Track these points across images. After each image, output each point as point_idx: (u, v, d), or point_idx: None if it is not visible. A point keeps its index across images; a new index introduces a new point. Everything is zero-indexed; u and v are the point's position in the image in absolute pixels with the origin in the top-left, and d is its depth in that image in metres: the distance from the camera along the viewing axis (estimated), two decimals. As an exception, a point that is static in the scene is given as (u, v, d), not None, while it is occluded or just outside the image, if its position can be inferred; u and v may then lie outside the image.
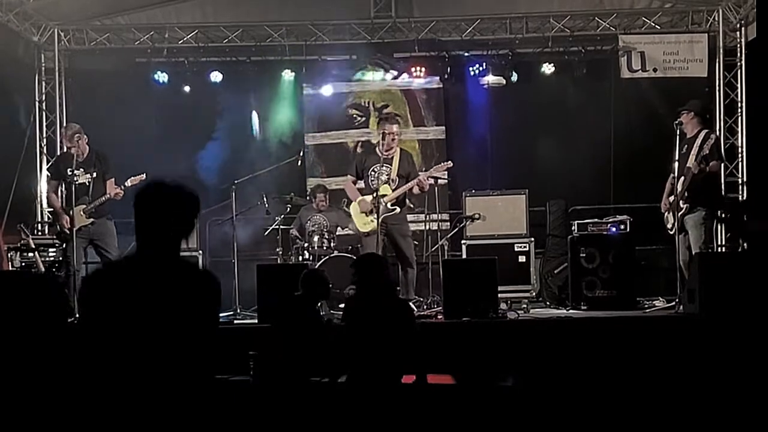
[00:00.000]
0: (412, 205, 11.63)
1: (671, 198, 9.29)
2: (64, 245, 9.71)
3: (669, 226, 9.38)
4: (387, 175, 9.59)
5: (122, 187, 9.61)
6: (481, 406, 5.99)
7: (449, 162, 10.03)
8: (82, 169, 9.65)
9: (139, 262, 3.58)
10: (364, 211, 9.63)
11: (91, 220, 9.63)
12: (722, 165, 9.76)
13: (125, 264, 3.73)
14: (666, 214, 9.43)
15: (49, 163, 11.65)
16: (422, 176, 9.62)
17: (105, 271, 3.74)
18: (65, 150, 9.79)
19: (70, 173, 9.53)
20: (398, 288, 9.69)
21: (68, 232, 9.46)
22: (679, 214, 9.19)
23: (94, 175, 9.73)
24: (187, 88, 12.56)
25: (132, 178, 9.71)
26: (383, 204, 9.45)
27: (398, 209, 9.63)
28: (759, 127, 11.70)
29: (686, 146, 9.33)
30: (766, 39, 10.85)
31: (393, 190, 9.58)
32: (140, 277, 3.50)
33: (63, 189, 9.97)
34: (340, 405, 5.94)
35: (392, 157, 9.66)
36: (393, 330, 6.17)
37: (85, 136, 9.66)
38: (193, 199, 3.71)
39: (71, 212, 9.41)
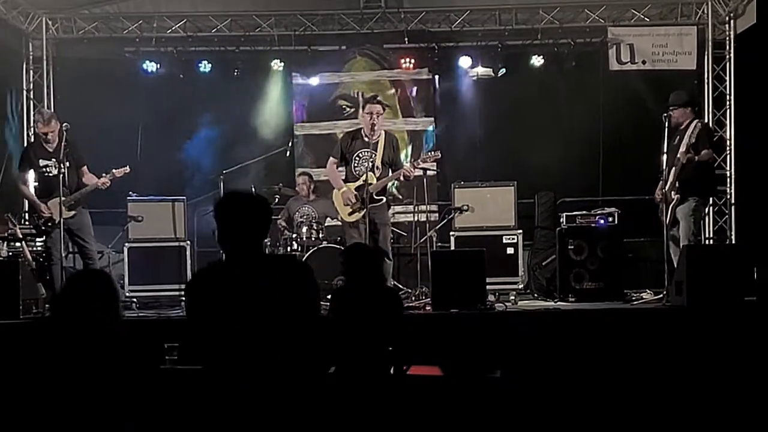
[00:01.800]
0: (401, 196, 11.64)
1: (665, 189, 9.29)
2: (44, 237, 9.61)
3: (662, 218, 9.37)
4: (371, 161, 9.42)
5: (104, 176, 9.56)
6: (468, 397, 6.00)
7: (438, 153, 9.95)
8: (54, 160, 9.43)
9: (238, 262, 4.02)
10: (346, 203, 9.53)
11: (73, 212, 9.54)
12: (713, 154, 9.75)
13: (225, 265, 4.15)
14: (660, 205, 9.41)
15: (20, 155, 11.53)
16: (408, 166, 9.51)
17: (209, 272, 4.10)
18: (33, 139, 9.58)
19: (42, 164, 9.40)
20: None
21: (50, 223, 9.39)
22: (671, 205, 9.21)
23: (68, 164, 9.55)
24: (175, 78, 12.51)
25: (117, 170, 9.66)
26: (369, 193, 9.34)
27: (383, 199, 9.53)
28: (748, 119, 11.77)
29: (678, 137, 9.34)
30: (765, 32, 10.91)
31: (377, 179, 9.39)
32: (244, 275, 3.92)
33: (35, 179, 9.67)
34: (330, 396, 5.94)
35: (377, 142, 9.48)
36: (384, 320, 6.18)
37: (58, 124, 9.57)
38: (267, 205, 4.16)
39: (48, 203, 9.34)
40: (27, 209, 10.37)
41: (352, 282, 6.48)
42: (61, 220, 9.21)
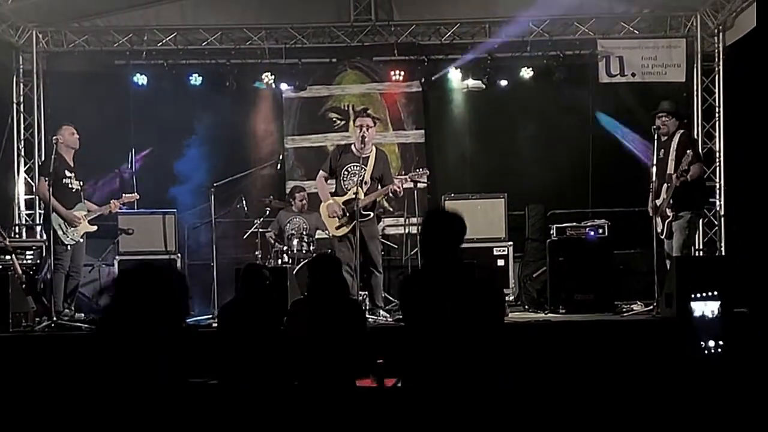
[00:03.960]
0: (391, 209, 11.63)
1: (657, 202, 9.31)
2: (67, 248, 9.61)
3: (659, 230, 9.39)
4: (360, 176, 9.38)
5: (116, 202, 9.78)
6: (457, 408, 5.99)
7: (426, 170, 9.91)
8: (74, 174, 9.66)
9: (441, 267, 4.80)
10: (330, 215, 9.49)
11: (96, 227, 9.74)
12: (703, 166, 9.78)
13: (430, 269, 4.95)
14: (655, 218, 9.42)
15: (44, 160, 11.50)
16: (396, 182, 9.49)
17: (417, 274, 5.32)
18: (57, 152, 9.59)
19: (68, 175, 9.58)
20: (365, 293, 9.62)
21: (68, 236, 9.51)
22: (667, 221, 9.23)
23: (82, 183, 9.78)
24: (166, 91, 12.49)
25: (127, 195, 9.90)
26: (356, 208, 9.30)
27: (371, 214, 9.50)
28: (737, 131, 11.81)
29: (663, 150, 9.37)
30: (754, 44, 10.95)
31: (365, 194, 9.35)
32: (447, 278, 4.70)
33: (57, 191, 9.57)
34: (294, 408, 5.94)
35: (368, 157, 9.47)
36: (344, 332, 6.17)
37: None
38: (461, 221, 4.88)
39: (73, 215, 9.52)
40: (26, 222, 10.36)
41: (313, 295, 6.49)
42: (50, 234, 9.28)
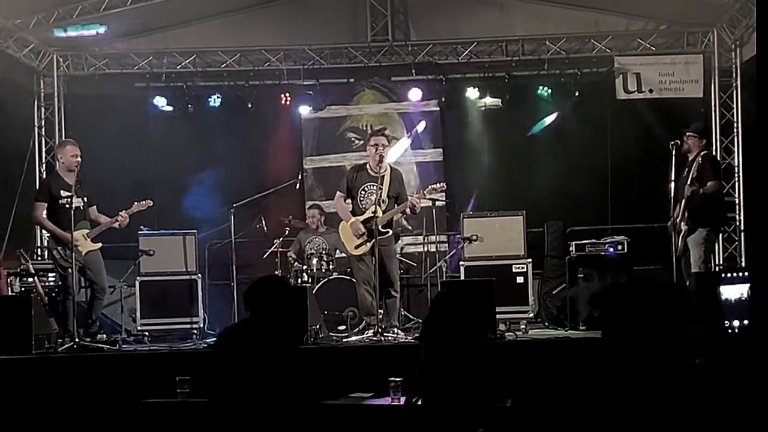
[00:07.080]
0: (410, 227, 11.64)
1: (673, 218, 9.31)
2: (68, 270, 9.53)
3: (674, 249, 9.37)
4: (377, 195, 9.28)
5: (123, 212, 9.60)
6: (479, 427, 6.00)
7: (443, 185, 9.83)
8: (73, 193, 9.49)
9: None
10: (355, 234, 9.48)
11: (100, 244, 9.60)
12: (721, 183, 9.74)
13: None
14: (674, 236, 9.39)
15: (38, 186, 11.52)
16: (414, 198, 9.46)
17: None
18: (55, 171, 9.55)
19: (64, 195, 9.34)
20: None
21: (68, 259, 9.35)
22: (681, 235, 9.22)
23: (86, 199, 9.59)
24: (185, 112, 12.59)
25: (138, 203, 9.69)
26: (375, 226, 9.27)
27: (390, 231, 9.48)
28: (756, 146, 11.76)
29: (687, 168, 9.36)
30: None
31: (383, 212, 9.27)
32: None
33: (52, 212, 9.44)
34: None
35: (383, 176, 9.39)
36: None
37: None
38: None
39: (72, 236, 9.37)
40: (46, 243, 10.30)
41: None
42: (74, 255, 9.27)
